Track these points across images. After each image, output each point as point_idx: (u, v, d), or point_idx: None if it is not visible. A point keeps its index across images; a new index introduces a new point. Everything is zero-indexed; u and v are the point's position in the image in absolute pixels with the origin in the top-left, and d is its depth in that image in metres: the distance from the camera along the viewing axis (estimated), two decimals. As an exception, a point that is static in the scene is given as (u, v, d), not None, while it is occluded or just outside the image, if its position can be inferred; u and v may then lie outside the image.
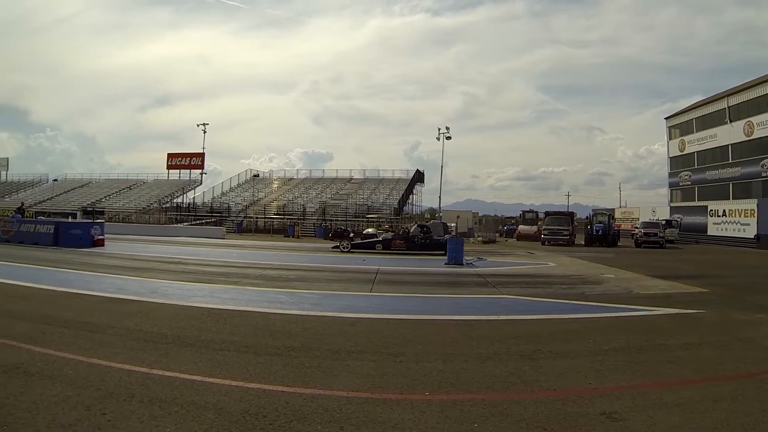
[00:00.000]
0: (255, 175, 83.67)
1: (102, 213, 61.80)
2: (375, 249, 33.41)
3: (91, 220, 39.41)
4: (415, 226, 38.11)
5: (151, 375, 6.67)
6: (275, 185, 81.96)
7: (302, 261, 26.65)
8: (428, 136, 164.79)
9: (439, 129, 63.52)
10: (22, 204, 50.24)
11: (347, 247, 33.98)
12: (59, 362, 7.14)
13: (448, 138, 63.75)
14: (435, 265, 24.59)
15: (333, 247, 36.00)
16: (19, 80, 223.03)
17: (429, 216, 75.79)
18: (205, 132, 78.13)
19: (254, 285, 16.39)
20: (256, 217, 66.18)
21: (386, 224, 55.41)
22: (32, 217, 47.72)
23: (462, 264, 24.37)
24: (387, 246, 33.74)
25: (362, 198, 70.07)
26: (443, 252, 28.16)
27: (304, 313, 11.45)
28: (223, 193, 78.76)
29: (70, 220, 39.94)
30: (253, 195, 76.39)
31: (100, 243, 30.78)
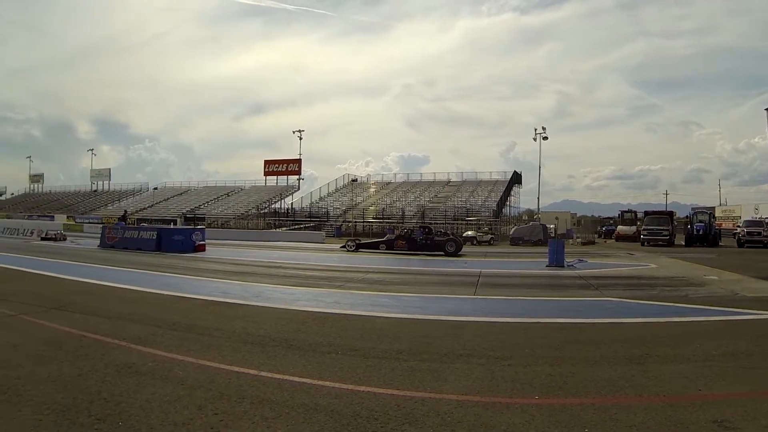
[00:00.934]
0: (353, 180, 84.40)
1: (202, 219, 63.87)
2: (379, 249, 35.39)
3: (192, 227, 40.84)
4: (418, 227, 39.95)
5: (260, 377, 6.71)
6: (373, 189, 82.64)
7: (403, 265, 26.34)
8: (523, 137, 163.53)
9: (535, 129, 63.22)
10: (125, 212, 52.60)
11: (352, 247, 36.12)
12: (169, 363, 7.32)
13: (545, 138, 63.25)
14: (536, 267, 24.51)
15: (341, 247, 37.96)
16: (118, 95, 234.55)
17: (527, 217, 74.58)
18: (301, 138, 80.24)
19: (357, 288, 16.40)
20: (355, 222, 66.74)
21: (485, 227, 54.87)
22: (134, 224, 49.79)
23: (563, 266, 23.94)
24: (390, 246, 35.27)
25: (461, 201, 69.74)
26: (442, 252, 32.68)
27: (410, 316, 11.41)
28: (321, 198, 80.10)
29: (171, 226, 41.44)
30: (351, 199, 77.28)
31: (201, 248, 31.76)
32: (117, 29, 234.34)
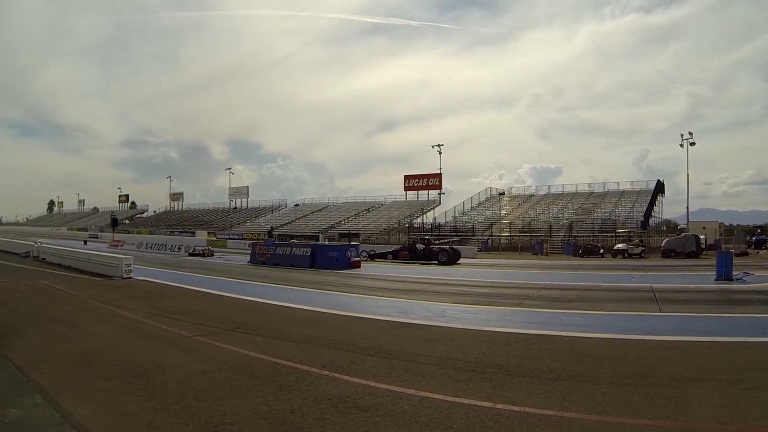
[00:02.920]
0: (500, 193, 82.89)
1: (357, 235, 64.07)
2: (387, 259, 39.81)
3: (347, 243, 40.72)
4: (419, 237, 48.18)
5: (497, 410, 6.05)
6: (516, 203, 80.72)
7: (570, 280, 25.27)
8: (655, 143, 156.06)
9: (681, 135, 60.02)
10: (272, 228, 53.54)
11: (365, 257, 39.10)
12: (388, 396, 6.63)
13: (692, 144, 59.74)
14: (703, 281, 22.96)
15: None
16: (249, 116, 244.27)
17: (665, 228, 70.44)
18: (440, 153, 79.51)
19: (539, 306, 15.56)
20: (501, 235, 65.28)
21: (636, 239, 52.29)
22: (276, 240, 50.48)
23: (732, 279, 22.35)
24: (396, 256, 40.31)
25: (605, 212, 66.97)
26: (436, 261, 37.04)
27: (612, 336, 10.85)
28: (463, 212, 78.93)
29: (325, 242, 41.53)
30: (494, 213, 75.67)
31: (357, 265, 31.62)
32: (245, 55, 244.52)
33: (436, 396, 6.54)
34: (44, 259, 32.01)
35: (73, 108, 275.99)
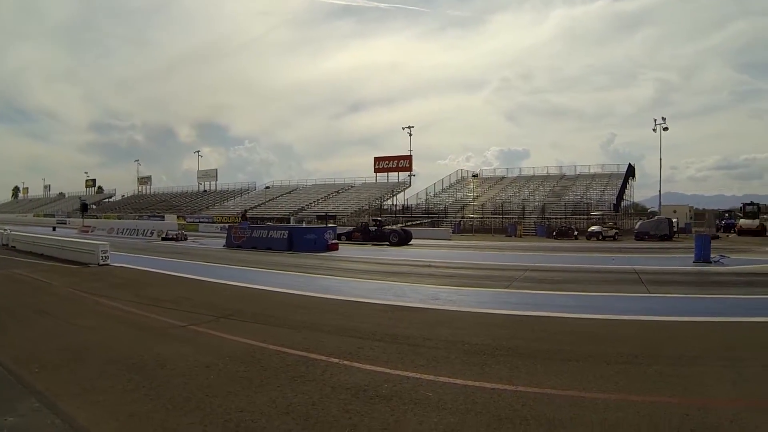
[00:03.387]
0: (474, 175, 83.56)
1: (334, 218, 63.62)
2: (341, 240, 38.44)
3: (324, 225, 40.50)
4: (371, 219, 49.18)
5: (521, 392, 6.02)
6: (487, 185, 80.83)
7: (552, 262, 25.37)
8: (623, 128, 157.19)
9: (654, 120, 61.02)
10: (245, 211, 52.90)
11: None
12: (407, 382, 6.43)
13: (665, 129, 60.64)
14: (682, 263, 23.15)
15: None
16: (217, 99, 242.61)
17: (633, 211, 71.06)
18: (410, 135, 79.44)
19: (529, 288, 15.65)
20: (473, 217, 65.31)
21: (610, 221, 52.74)
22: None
23: (710, 262, 22.68)
24: (349, 237, 41.44)
25: (576, 195, 67.48)
26: (387, 242, 38.27)
27: (607, 317, 10.95)
28: (435, 194, 78.88)
29: (303, 225, 41.14)
30: (465, 195, 75.96)
31: (334, 247, 31.39)
32: (214, 37, 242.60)
33: (457, 381, 6.41)
34: (14, 247, 31.05)
35: (39, 92, 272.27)
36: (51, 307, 12.07)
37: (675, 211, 56.67)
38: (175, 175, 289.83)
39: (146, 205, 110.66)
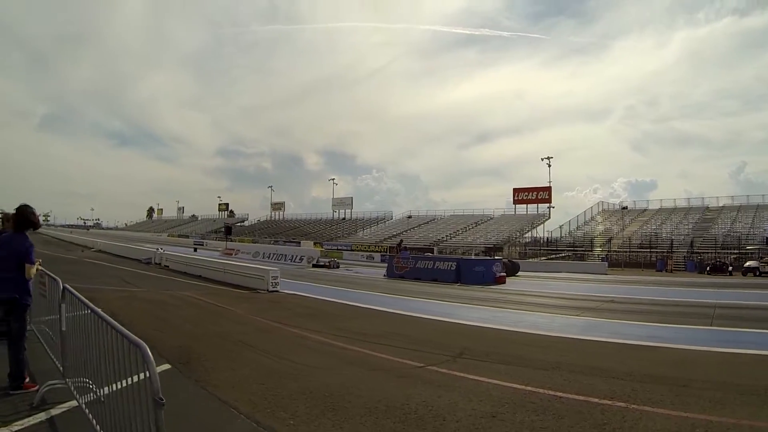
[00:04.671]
0: (623, 208, 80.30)
1: (500, 250, 62.69)
2: None
3: (491, 257, 39.34)
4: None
5: None
6: (628, 218, 77.53)
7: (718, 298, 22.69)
8: (754, 155, 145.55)
9: None
10: (401, 241, 52.56)
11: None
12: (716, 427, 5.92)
13: None
14: None
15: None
16: (344, 128, 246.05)
17: None
18: (549, 165, 77.66)
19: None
20: (620, 251, 62.46)
21: (767, 256, 48.78)
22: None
23: None
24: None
25: (723, 228, 63.17)
26: None
27: None
28: (578, 227, 76.29)
29: (473, 257, 39.98)
30: (607, 228, 72.98)
31: (502, 280, 30.18)
32: (338, 66, 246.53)
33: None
34: (167, 266, 31.74)
35: (169, 118, 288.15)
36: (250, 339, 11.19)
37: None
38: (303, 202, 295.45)
39: (279, 230, 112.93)
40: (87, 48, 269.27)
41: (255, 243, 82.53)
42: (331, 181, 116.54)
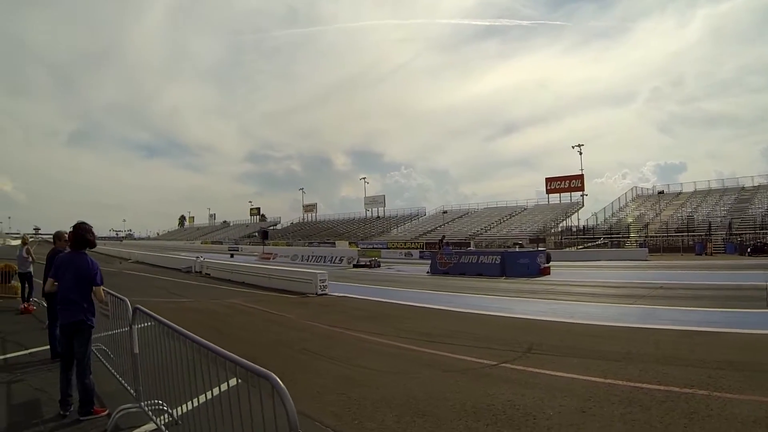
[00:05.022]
0: (660, 192, 79.79)
1: (543, 241, 62.79)
2: None
3: (535, 249, 39.26)
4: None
5: None
6: (664, 202, 76.75)
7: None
8: None
9: None
10: (443, 237, 52.71)
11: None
12: None
13: None
14: None
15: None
16: (370, 126, 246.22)
17: None
18: (581, 153, 77.31)
19: None
20: (657, 236, 61.94)
21: None
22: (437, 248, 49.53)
23: None
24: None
25: (760, 208, 62.22)
26: None
27: None
28: (613, 213, 75.75)
29: (517, 249, 39.94)
30: (642, 213, 72.57)
31: (547, 271, 30.18)
32: (360, 66, 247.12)
33: None
34: (208, 274, 31.99)
35: (195, 127, 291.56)
36: (314, 346, 11.05)
37: None
38: (332, 203, 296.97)
39: (313, 232, 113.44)
40: (110, 65, 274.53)
41: (289, 246, 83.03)
42: (363, 180, 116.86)
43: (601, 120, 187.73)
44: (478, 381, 8.02)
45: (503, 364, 8.91)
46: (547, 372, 8.22)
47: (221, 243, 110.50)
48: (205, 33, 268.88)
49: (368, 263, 43.26)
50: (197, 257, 37.21)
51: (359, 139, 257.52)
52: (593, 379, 7.70)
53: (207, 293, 22.24)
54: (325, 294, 21.02)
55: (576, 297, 19.09)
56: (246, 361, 3.69)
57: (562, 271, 32.19)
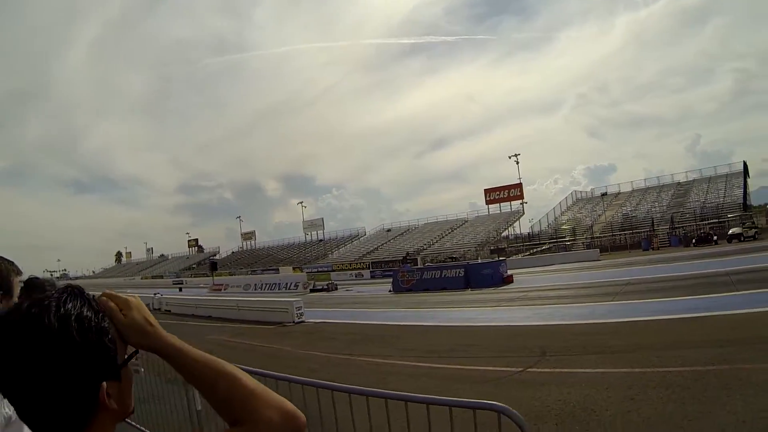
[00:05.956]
0: (603, 194, 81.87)
1: (503, 250, 63.82)
2: None
3: (497, 259, 40.01)
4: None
5: None
6: (604, 203, 79.12)
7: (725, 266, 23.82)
8: (706, 127, 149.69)
9: None
10: (407, 254, 53.09)
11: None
12: None
13: None
14: None
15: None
16: (300, 150, 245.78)
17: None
18: (518, 163, 78.93)
19: None
20: (603, 236, 63.88)
21: (748, 222, 50.88)
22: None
23: None
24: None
25: (697, 201, 65.18)
26: None
27: None
28: (556, 218, 77.70)
29: (479, 261, 40.58)
30: (585, 215, 75.14)
31: (510, 280, 30.98)
32: (288, 92, 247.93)
33: None
34: (169, 310, 31.03)
35: (126, 162, 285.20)
36: (331, 376, 9.94)
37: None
38: (267, 229, 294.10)
39: (254, 260, 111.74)
40: (36, 103, 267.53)
41: (233, 275, 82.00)
42: (300, 204, 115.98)
43: (531, 129, 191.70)
44: (519, 388, 8.52)
45: (530, 369, 9.46)
46: (576, 370, 8.87)
47: (162, 277, 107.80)
48: (132, 66, 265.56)
49: (326, 287, 43.35)
50: (154, 294, 36.06)
51: (290, 164, 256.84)
52: (622, 370, 8.37)
53: (179, 331, 20.91)
54: (303, 321, 20.80)
55: (553, 300, 19.94)
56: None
57: (522, 278, 33.02)
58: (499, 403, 3.31)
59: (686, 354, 8.78)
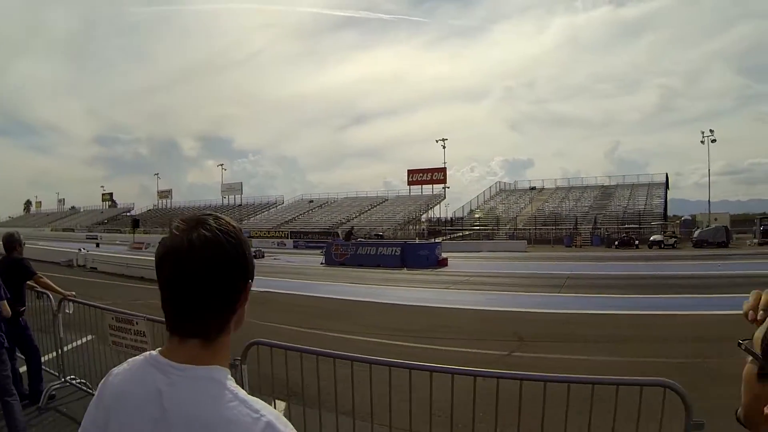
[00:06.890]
0: (532, 188, 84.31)
1: (439, 233, 64.20)
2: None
3: (433, 241, 40.38)
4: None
5: None
6: (527, 196, 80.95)
7: (672, 270, 25.69)
8: (628, 135, 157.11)
9: (702, 132, 66.01)
10: (352, 228, 53.17)
11: None
12: None
13: (714, 141, 65.25)
14: None
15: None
16: (220, 112, 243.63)
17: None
18: (444, 147, 79.91)
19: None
20: (525, 229, 65.47)
21: (670, 230, 55.10)
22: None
23: None
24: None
25: (618, 206, 68.25)
26: None
27: None
28: (479, 206, 79.09)
29: (417, 241, 40.85)
30: (507, 206, 77.67)
31: (444, 263, 31.52)
32: (216, 50, 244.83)
33: None
34: (95, 268, 28.73)
35: (42, 106, 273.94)
36: None
37: (716, 219, 57.55)
38: (180, 188, 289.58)
39: (169, 219, 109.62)
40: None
41: (147, 234, 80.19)
42: (220, 167, 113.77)
43: (454, 115, 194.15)
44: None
45: (514, 353, 9.73)
46: (566, 356, 9.31)
47: (73, 230, 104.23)
48: (55, 2, 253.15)
49: (254, 254, 42.22)
50: (79, 249, 34.14)
51: (209, 125, 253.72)
52: (613, 359, 8.92)
53: (114, 293, 18.26)
54: (248, 288, 20.24)
55: (502, 287, 20.48)
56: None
57: (456, 262, 33.35)
58: (667, 379, 3.36)
59: (670, 347, 9.50)
